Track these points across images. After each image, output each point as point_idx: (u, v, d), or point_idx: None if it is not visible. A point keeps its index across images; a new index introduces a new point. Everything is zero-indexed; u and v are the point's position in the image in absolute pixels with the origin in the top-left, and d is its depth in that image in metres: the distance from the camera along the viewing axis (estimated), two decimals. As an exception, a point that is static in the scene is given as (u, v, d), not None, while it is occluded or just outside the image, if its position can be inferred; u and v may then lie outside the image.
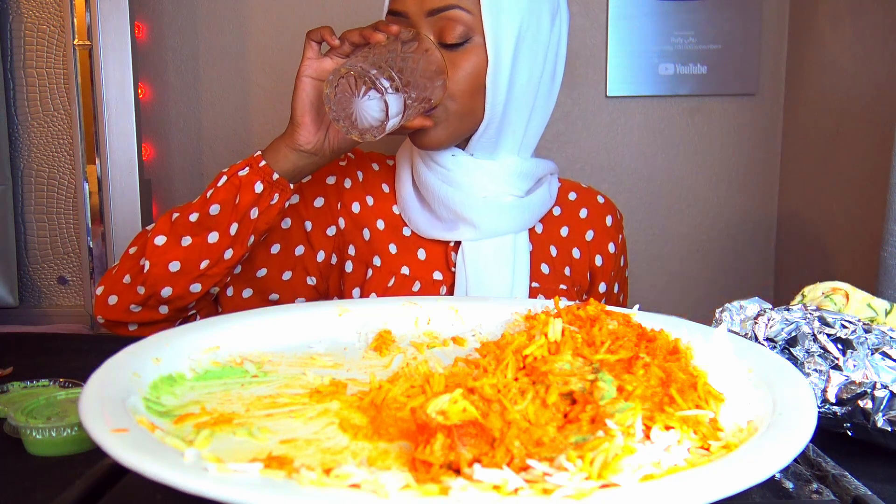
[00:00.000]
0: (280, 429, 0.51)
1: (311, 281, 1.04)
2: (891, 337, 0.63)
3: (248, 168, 0.92)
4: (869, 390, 0.61)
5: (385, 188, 1.07)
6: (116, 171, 1.49)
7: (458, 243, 1.02)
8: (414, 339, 0.72)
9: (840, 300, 0.74)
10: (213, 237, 0.91)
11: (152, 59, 1.56)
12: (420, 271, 1.02)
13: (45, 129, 1.54)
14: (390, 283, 1.01)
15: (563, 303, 0.68)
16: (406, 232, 1.04)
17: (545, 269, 1.05)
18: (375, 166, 1.09)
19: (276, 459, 0.42)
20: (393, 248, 1.03)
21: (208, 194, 0.92)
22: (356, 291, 1.03)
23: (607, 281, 1.11)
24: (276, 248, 1.01)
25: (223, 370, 0.62)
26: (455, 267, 1.01)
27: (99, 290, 0.95)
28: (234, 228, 0.91)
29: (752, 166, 1.62)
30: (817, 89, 1.48)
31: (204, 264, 0.91)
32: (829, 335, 0.64)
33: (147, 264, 0.91)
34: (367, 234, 1.04)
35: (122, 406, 0.49)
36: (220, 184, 0.92)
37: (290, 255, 1.02)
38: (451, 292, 1.01)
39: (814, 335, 0.65)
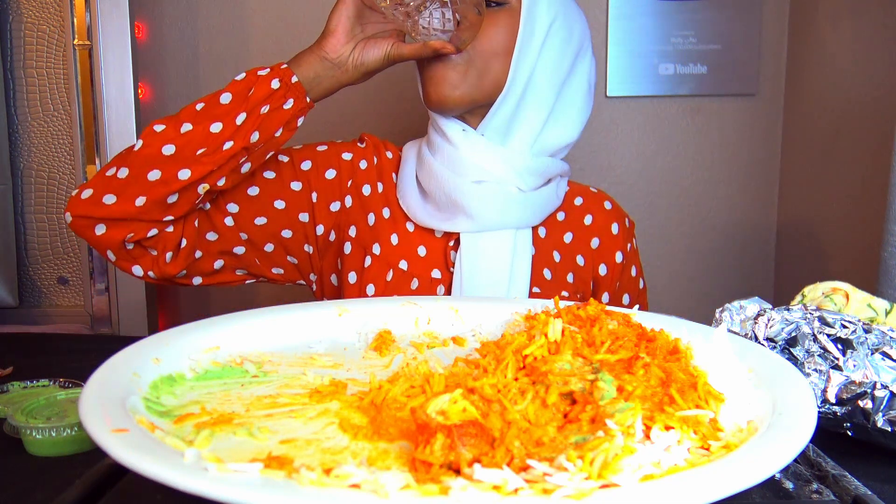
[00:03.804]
0: (280, 429, 0.51)
1: (309, 249, 1.04)
2: (891, 337, 0.63)
3: (268, 69, 0.93)
4: (869, 390, 0.61)
5: (395, 178, 1.07)
6: (116, 171, 1.48)
7: (458, 243, 1.01)
8: (414, 339, 0.72)
9: (840, 300, 0.74)
10: (216, 127, 0.89)
11: (152, 59, 1.55)
12: (418, 268, 1.02)
13: (45, 129, 1.54)
14: (388, 278, 1.01)
15: (563, 303, 0.68)
16: (409, 227, 1.04)
17: (547, 274, 1.04)
18: (389, 154, 1.09)
19: (276, 459, 0.42)
20: (394, 239, 1.03)
21: (222, 89, 0.92)
22: (352, 276, 1.02)
23: (611, 291, 1.10)
24: (280, 204, 1.01)
25: (223, 370, 0.62)
26: (454, 266, 1.01)
27: (74, 192, 0.90)
28: (240, 118, 0.90)
29: (751, 167, 1.62)
30: (817, 89, 1.48)
31: (200, 151, 0.89)
32: (829, 335, 0.64)
33: (139, 144, 0.89)
34: (371, 219, 1.04)
35: (122, 406, 0.49)
36: (237, 78, 0.92)
37: (294, 218, 1.02)
38: (448, 292, 1.01)
39: (814, 335, 0.65)
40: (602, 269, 1.08)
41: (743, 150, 1.61)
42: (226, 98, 0.91)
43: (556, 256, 1.06)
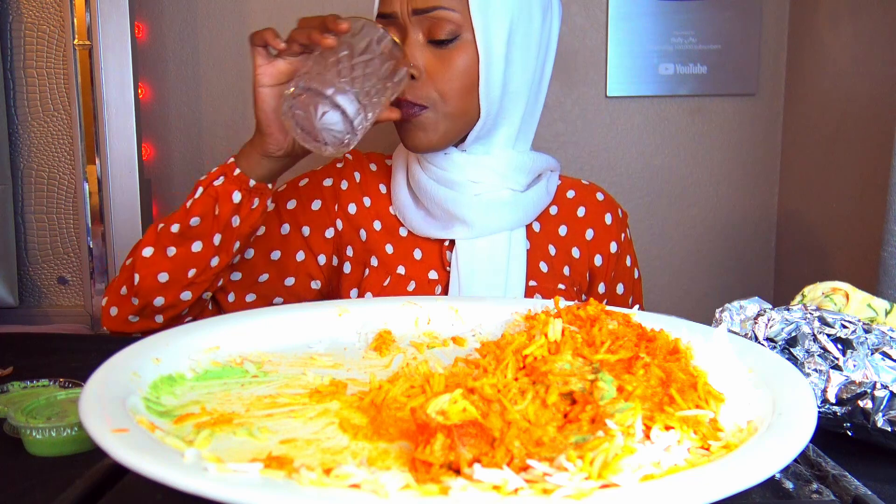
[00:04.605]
0: (280, 429, 0.51)
1: (316, 285, 1.04)
2: (891, 337, 0.63)
3: (223, 177, 0.90)
4: (869, 390, 0.61)
5: (382, 188, 1.07)
6: (116, 171, 1.49)
7: (453, 242, 1.01)
8: (414, 339, 0.72)
9: (840, 300, 0.73)
10: (197, 247, 0.91)
11: (152, 59, 1.56)
12: (415, 271, 1.02)
13: (45, 129, 1.54)
14: (386, 283, 1.01)
15: (563, 303, 0.68)
16: (402, 232, 1.04)
17: (543, 267, 1.05)
18: (373, 166, 1.08)
19: (276, 459, 0.42)
20: (389, 248, 1.03)
21: (188, 205, 0.91)
22: (353, 292, 1.03)
23: (607, 281, 1.10)
24: (276, 255, 1.02)
25: (223, 370, 0.62)
26: (450, 266, 1.01)
27: (104, 302, 0.96)
28: (217, 239, 0.91)
29: (752, 166, 1.62)
30: (817, 89, 1.48)
31: (191, 273, 0.92)
32: (829, 335, 0.64)
33: (137, 277, 0.92)
34: (363, 234, 1.04)
35: (122, 406, 0.49)
36: (196, 196, 0.91)
37: (292, 262, 1.02)
38: (445, 292, 1.01)
39: (814, 335, 0.65)
40: (597, 260, 1.09)
41: (743, 149, 1.61)
42: (195, 221, 0.90)
43: (552, 250, 1.06)
